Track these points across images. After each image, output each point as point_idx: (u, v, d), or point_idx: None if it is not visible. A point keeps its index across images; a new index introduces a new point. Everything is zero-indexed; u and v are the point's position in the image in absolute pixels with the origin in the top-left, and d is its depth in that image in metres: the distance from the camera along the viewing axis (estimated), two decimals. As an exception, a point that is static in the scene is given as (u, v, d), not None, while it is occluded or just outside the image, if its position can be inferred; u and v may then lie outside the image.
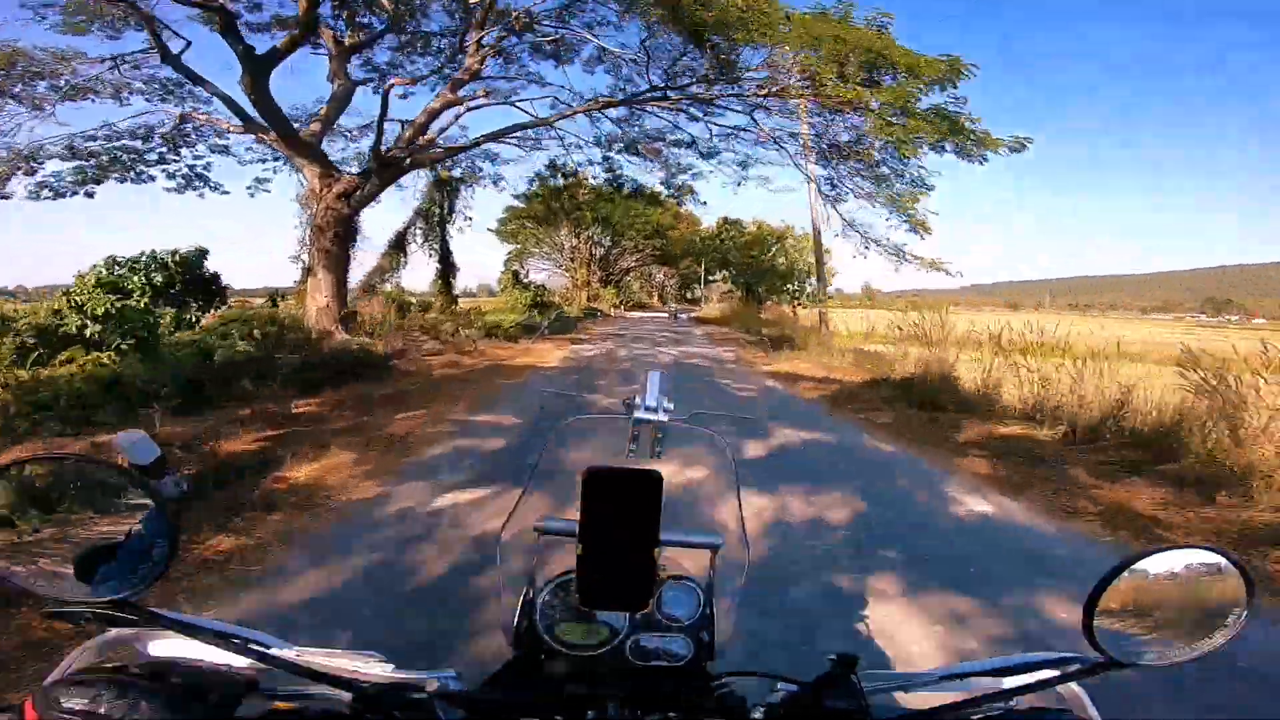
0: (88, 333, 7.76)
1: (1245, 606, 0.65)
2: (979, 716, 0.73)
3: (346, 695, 0.71)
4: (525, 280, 34.75)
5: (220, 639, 0.70)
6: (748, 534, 1.09)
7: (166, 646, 0.75)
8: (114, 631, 0.75)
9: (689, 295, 75.27)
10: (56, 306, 8.21)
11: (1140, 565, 0.67)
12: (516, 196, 30.14)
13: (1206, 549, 0.68)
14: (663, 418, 1.08)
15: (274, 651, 0.73)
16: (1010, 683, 0.77)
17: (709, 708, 0.83)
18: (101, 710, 0.59)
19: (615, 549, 0.78)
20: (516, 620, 0.98)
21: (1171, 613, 0.69)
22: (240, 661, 0.72)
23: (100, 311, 8.06)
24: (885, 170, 13.28)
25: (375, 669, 0.80)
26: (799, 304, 33.87)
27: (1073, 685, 0.76)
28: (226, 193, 15.51)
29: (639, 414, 1.08)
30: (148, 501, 0.65)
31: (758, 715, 0.80)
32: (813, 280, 28.42)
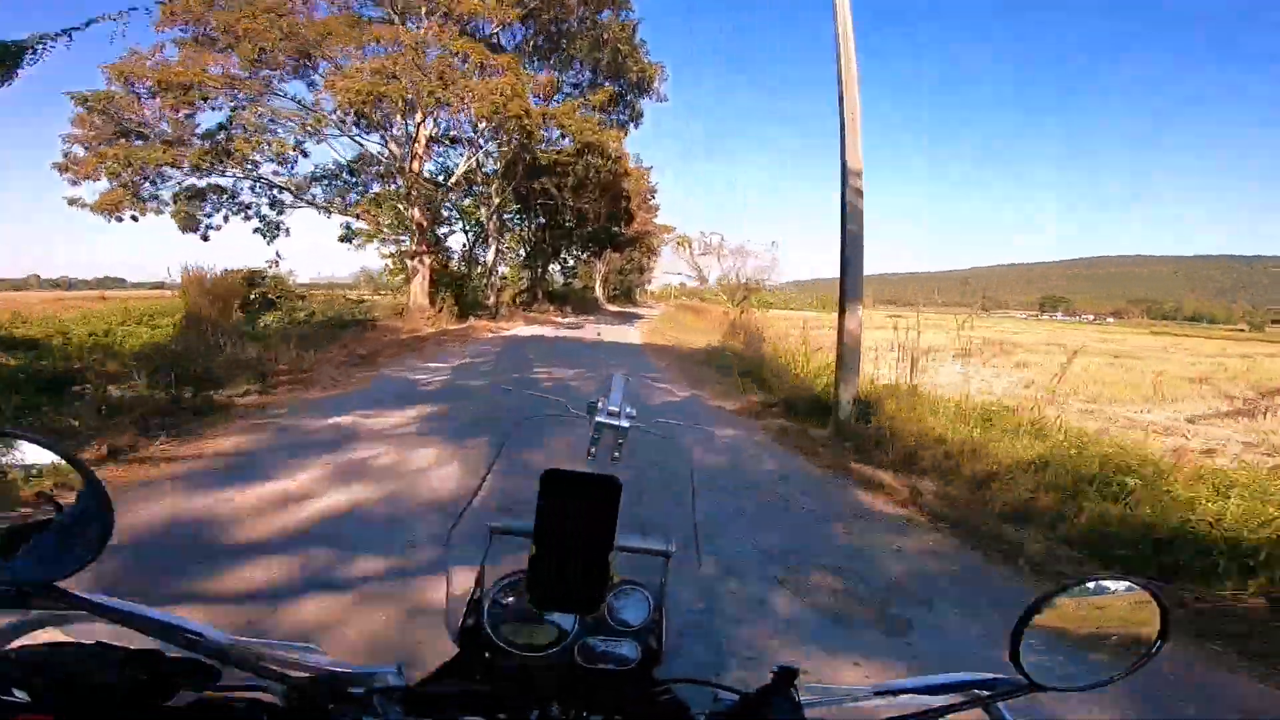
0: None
1: (1160, 635, 0.71)
2: None
3: (280, 687, 0.69)
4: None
5: (152, 626, 0.67)
6: (699, 544, 1.10)
7: (94, 633, 0.71)
8: (36, 615, 0.72)
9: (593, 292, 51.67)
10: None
11: (1065, 594, 0.72)
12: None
13: (1128, 580, 0.73)
14: (624, 423, 1.07)
15: (206, 640, 0.70)
16: (940, 700, 0.80)
17: (652, 713, 0.85)
18: (26, 698, 0.56)
19: (569, 552, 0.79)
20: (463, 618, 0.97)
21: (1092, 639, 0.74)
22: (172, 650, 0.69)
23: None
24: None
25: (311, 660, 0.78)
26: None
27: (998, 705, 0.80)
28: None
29: (600, 418, 1.06)
30: (80, 478, 0.61)
31: None
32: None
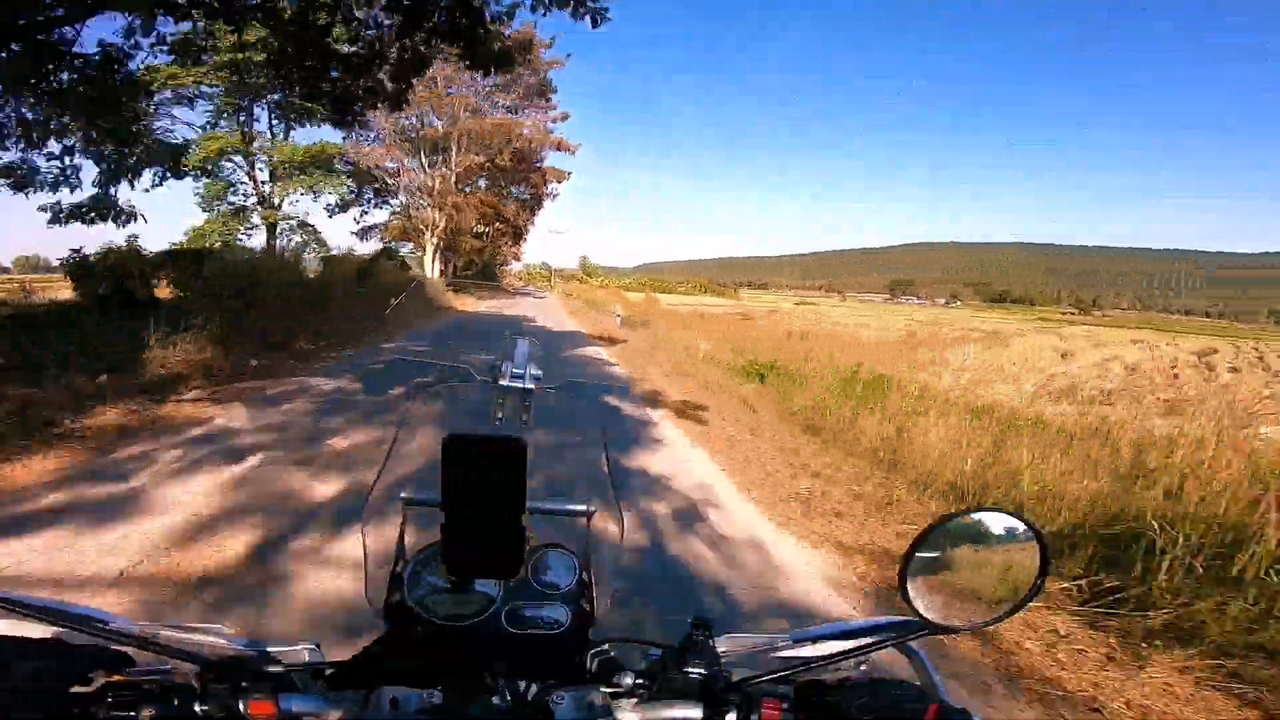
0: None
1: (1040, 573, 0.73)
2: (824, 675, 0.80)
3: (192, 667, 0.68)
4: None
5: (54, 616, 0.66)
6: (620, 504, 1.11)
7: None
8: None
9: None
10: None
11: (945, 529, 0.75)
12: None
13: (1004, 513, 0.75)
14: (529, 385, 1.04)
15: (112, 626, 0.69)
16: (852, 644, 0.84)
17: (586, 674, 0.86)
18: None
19: (481, 518, 0.77)
20: (386, 594, 0.96)
21: (978, 576, 0.76)
22: (75, 638, 0.69)
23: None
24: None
25: (224, 640, 0.76)
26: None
27: (908, 644, 0.85)
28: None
29: (504, 381, 1.02)
30: None
31: (629, 680, 0.82)
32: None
